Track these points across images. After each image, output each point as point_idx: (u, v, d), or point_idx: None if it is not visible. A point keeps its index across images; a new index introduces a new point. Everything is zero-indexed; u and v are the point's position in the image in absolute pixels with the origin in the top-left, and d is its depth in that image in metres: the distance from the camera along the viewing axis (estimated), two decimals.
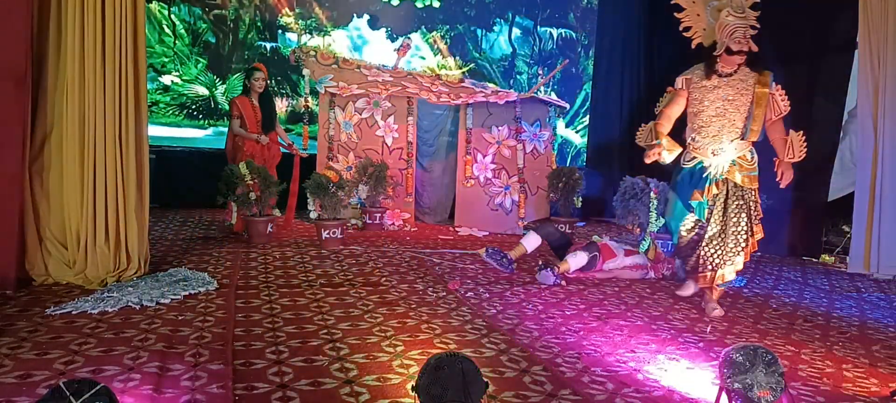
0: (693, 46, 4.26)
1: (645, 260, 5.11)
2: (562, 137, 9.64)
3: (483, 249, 5.27)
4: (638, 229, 6.22)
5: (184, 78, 8.07)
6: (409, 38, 8.80)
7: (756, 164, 4.14)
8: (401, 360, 2.93)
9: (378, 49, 8.80)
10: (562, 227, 6.90)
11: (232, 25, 8.28)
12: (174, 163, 7.68)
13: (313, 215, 6.02)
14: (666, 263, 5.23)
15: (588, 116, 9.83)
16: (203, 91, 8.17)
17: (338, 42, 8.65)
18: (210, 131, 8.24)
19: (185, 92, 8.09)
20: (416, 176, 7.27)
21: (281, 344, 3.06)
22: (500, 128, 7.32)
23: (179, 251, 5.17)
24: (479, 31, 9.39)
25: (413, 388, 1.96)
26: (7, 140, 3.71)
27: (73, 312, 3.37)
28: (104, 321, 3.28)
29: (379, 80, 7.02)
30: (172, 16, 7.99)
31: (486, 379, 1.99)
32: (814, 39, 6.66)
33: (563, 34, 9.85)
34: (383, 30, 8.88)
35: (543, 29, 9.74)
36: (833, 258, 6.47)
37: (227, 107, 8.23)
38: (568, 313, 3.96)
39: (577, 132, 10.00)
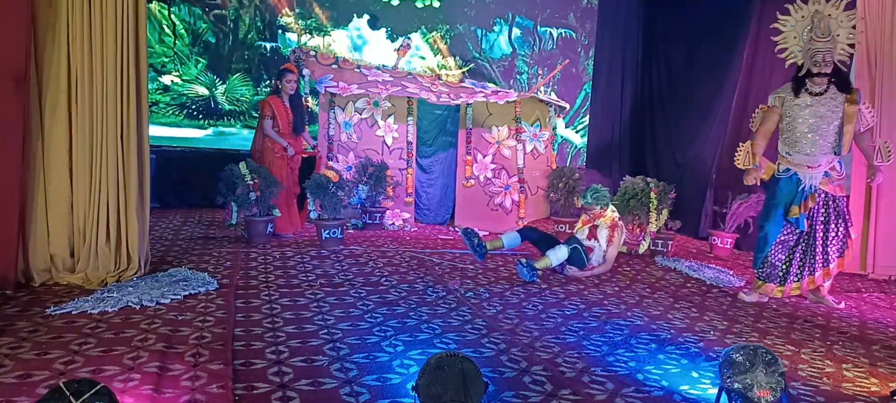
0: (786, 66, 4.55)
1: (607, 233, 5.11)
2: (562, 137, 9.63)
3: (463, 229, 5.30)
4: (638, 229, 6.22)
5: (184, 78, 8.07)
6: (409, 38, 8.80)
7: (845, 175, 4.50)
8: (401, 360, 2.94)
9: (378, 49, 8.79)
10: (561, 227, 6.90)
11: (232, 25, 8.28)
12: (174, 163, 7.68)
13: (314, 215, 6.02)
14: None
15: (588, 116, 9.83)
16: (203, 91, 8.17)
17: (338, 42, 8.64)
18: (210, 131, 8.23)
19: (185, 92, 8.09)
20: (415, 175, 7.27)
21: (281, 344, 3.06)
22: (500, 128, 7.32)
23: (179, 251, 5.17)
24: (479, 31, 9.38)
25: (413, 388, 1.97)
26: (7, 140, 3.70)
27: (73, 312, 3.37)
28: (104, 321, 3.28)
29: (379, 80, 7.01)
30: (172, 16, 7.99)
31: (486, 379, 1.99)
32: None
33: (563, 34, 9.84)
34: (383, 30, 8.88)
35: (543, 29, 9.73)
36: None
37: (226, 108, 8.24)
38: (568, 313, 3.97)
39: (577, 132, 9.99)
